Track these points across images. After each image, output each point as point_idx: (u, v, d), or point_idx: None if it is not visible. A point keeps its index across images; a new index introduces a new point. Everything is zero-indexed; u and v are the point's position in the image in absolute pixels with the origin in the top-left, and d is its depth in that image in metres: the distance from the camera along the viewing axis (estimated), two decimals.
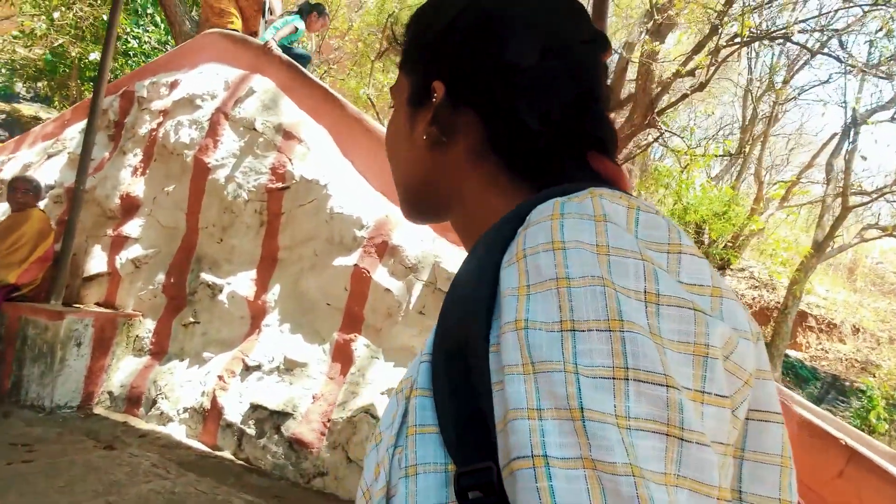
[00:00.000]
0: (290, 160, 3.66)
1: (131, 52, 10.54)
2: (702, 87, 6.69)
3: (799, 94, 13.63)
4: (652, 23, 8.44)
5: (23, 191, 4.12)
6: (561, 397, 0.31)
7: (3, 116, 11.80)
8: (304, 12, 5.50)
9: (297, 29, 5.39)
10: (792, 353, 10.16)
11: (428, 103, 0.52)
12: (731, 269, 13.83)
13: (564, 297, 0.33)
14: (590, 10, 2.79)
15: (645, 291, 0.34)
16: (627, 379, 0.31)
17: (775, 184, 15.00)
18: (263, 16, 5.98)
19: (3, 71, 11.91)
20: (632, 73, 9.23)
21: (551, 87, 0.48)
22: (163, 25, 10.80)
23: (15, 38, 10.83)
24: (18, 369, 3.55)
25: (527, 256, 0.36)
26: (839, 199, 9.37)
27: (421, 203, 0.56)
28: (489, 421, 0.35)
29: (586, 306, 0.33)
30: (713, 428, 0.33)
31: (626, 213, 0.38)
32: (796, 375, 9.31)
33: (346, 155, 3.67)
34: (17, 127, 11.89)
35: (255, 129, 3.85)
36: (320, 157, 3.64)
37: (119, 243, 4.18)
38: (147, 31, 10.86)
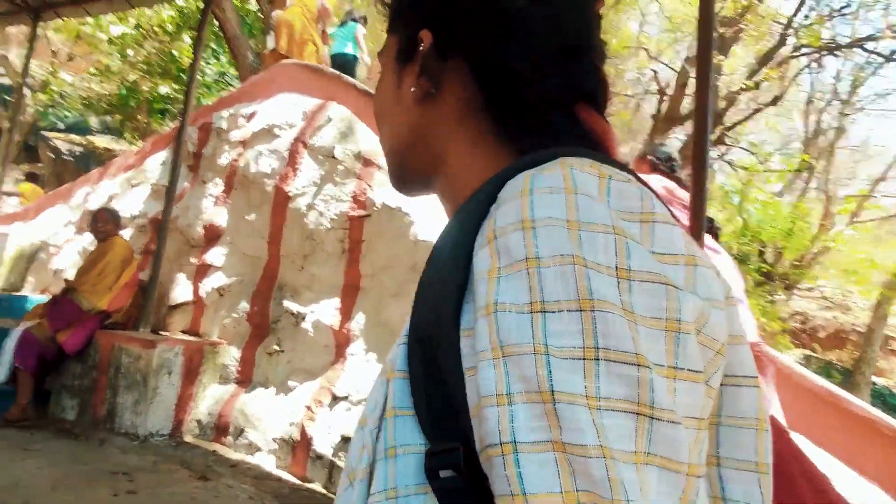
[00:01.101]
0: (370, 187, 3.67)
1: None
2: (775, 101, 6.44)
3: (870, 103, 12.98)
4: (716, 36, 8.22)
5: (103, 220, 4.28)
6: (531, 380, 0.30)
7: (80, 149, 12.48)
8: (361, 20, 6.01)
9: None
10: (878, 380, 9.51)
11: (416, 56, 0.50)
12: (799, 288, 13.18)
13: (535, 277, 0.33)
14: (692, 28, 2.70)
15: (617, 267, 0.33)
16: (598, 359, 0.31)
17: (846, 199, 14.29)
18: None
19: (79, 105, 12.61)
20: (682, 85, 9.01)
21: (541, 32, 0.47)
22: (224, 57, 11.27)
23: (92, 74, 11.50)
24: (112, 396, 3.64)
25: (497, 238, 0.35)
26: None
27: (407, 166, 0.53)
28: (457, 403, 0.35)
29: (556, 286, 0.32)
30: (686, 404, 0.33)
31: (598, 183, 0.36)
32: (884, 404, 8.68)
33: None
34: (92, 158, 12.55)
35: (334, 157, 3.89)
36: None
37: (203, 271, 4.28)
38: (208, 63, 11.34)
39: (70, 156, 12.19)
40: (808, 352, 11.55)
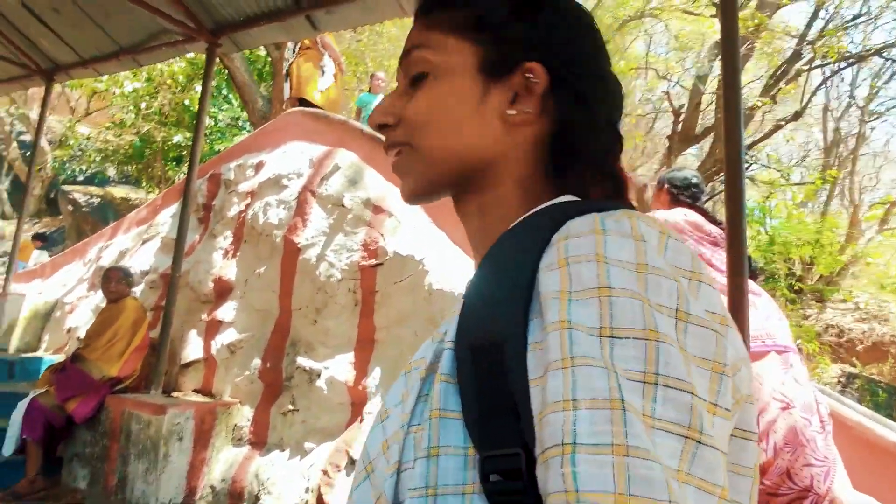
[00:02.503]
0: (381, 235, 3.55)
1: (208, 131, 11.13)
2: (796, 116, 6.24)
3: (890, 108, 12.66)
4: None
5: (116, 280, 4.17)
6: (601, 389, 0.33)
7: (98, 200, 12.67)
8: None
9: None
10: None
11: (508, 79, 0.53)
12: (832, 301, 12.69)
13: (606, 305, 0.36)
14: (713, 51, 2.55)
15: (676, 309, 0.37)
16: (657, 384, 0.34)
17: (872, 206, 13.84)
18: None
19: (96, 158, 12.82)
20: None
21: (616, 98, 0.56)
22: (236, 103, 11.41)
23: (107, 128, 11.73)
24: (123, 465, 3.50)
25: (570, 264, 0.38)
26: None
27: (456, 175, 0.54)
28: (521, 411, 0.37)
29: (625, 316, 0.35)
30: (720, 436, 0.36)
31: (658, 237, 0.40)
32: None
33: (440, 225, 3.52)
34: (110, 209, 12.73)
35: (343, 206, 3.78)
36: (412, 230, 3.51)
37: (214, 328, 4.16)
38: (221, 110, 11.49)
39: (88, 207, 12.37)
40: (847, 367, 11.05)
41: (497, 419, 0.38)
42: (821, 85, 7.54)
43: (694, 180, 2.72)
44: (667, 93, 7.97)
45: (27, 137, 15.60)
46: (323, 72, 6.17)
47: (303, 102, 6.10)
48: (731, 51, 2.20)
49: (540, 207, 0.48)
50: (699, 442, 0.33)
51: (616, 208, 0.43)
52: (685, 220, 2.51)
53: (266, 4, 4.00)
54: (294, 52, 6.30)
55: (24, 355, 5.40)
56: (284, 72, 6.52)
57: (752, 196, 13.10)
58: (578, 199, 0.52)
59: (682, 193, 2.68)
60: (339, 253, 3.66)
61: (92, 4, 4.75)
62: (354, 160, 4.05)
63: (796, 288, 10.73)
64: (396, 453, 0.43)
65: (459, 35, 0.54)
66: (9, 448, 3.62)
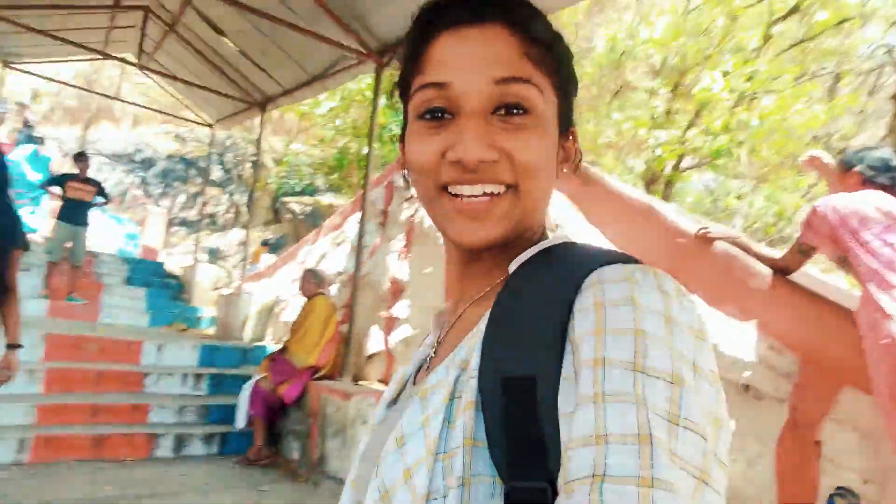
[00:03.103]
0: None
1: (394, 142, 12.13)
2: None
3: None
4: None
5: (307, 280, 4.82)
6: (631, 425, 0.35)
7: (309, 209, 14.61)
8: None
9: None
10: None
11: (563, 138, 0.55)
12: None
13: (641, 345, 0.39)
14: None
15: (693, 362, 0.40)
16: (678, 425, 0.36)
17: None
18: None
19: (307, 171, 14.76)
20: None
21: None
22: None
23: (313, 145, 13.45)
24: (322, 442, 4.08)
25: (607, 306, 0.41)
26: None
27: (528, 226, 0.53)
28: (549, 445, 0.39)
29: (657, 358, 0.38)
30: (720, 484, 0.38)
31: (676, 293, 0.43)
32: None
33: (592, 223, 3.45)
34: (318, 216, 14.58)
35: None
36: (565, 227, 3.49)
37: (391, 324, 4.60)
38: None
39: (303, 215, 14.33)
40: None
41: (524, 451, 0.39)
42: None
43: (893, 162, 2.31)
44: (890, 47, 6.57)
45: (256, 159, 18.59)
46: None
47: None
48: None
49: (555, 244, 0.52)
50: (707, 483, 0.36)
51: (636, 261, 0.46)
52: (876, 206, 2.15)
53: None
54: None
55: (254, 344, 6.52)
56: None
57: None
58: (570, 240, 0.53)
59: (877, 176, 2.30)
60: None
61: (288, 43, 5.56)
62: None
63: None
64: (424, 483, 0.42)
65: (550, 81, 0.52)
66: (241, 422, 4.43)
